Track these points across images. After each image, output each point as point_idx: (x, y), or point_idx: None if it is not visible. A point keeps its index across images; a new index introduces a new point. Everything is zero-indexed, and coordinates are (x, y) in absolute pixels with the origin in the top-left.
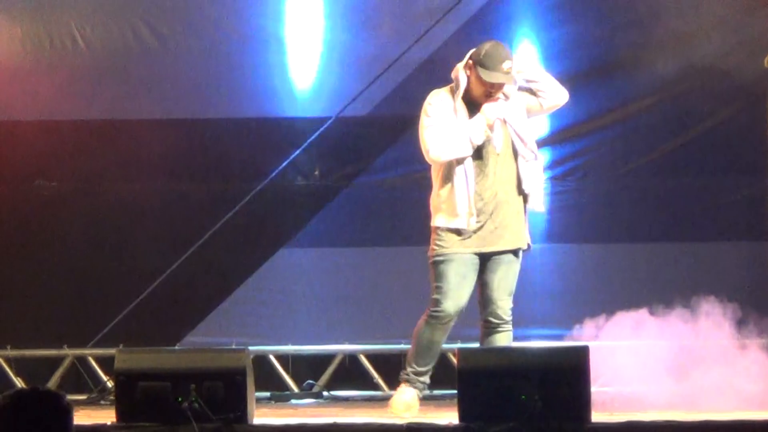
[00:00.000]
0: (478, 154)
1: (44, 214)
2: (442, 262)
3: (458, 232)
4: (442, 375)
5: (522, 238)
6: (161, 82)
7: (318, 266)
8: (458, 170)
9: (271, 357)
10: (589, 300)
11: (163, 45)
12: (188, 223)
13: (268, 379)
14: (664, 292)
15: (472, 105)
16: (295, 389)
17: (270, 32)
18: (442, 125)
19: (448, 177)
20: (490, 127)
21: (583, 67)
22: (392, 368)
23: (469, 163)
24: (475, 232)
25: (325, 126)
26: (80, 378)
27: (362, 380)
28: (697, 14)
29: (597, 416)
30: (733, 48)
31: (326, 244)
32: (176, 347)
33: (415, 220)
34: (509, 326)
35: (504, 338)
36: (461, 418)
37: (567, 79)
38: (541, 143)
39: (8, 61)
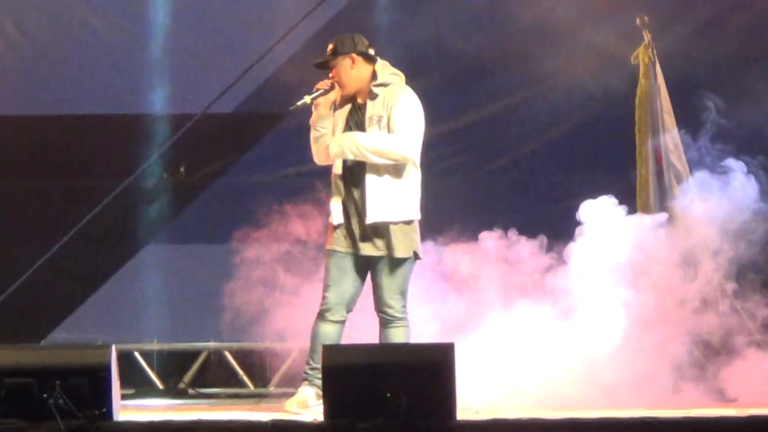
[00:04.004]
0: None
1: None
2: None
3: None
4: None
5: None
6: (24, 77)
7: (183, 263)
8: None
9: (136, 354)
10: None
11: (27, 41)
12: (52, 220)
13: (133, 376)
14: None
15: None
16: (160, 386)
17: (136, 30)
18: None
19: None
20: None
21: (450, 66)
22: (257, 365)
23: None
24: None
25: (191, 123)
26: None
27: (227, 377)
28: (565, 12)
29: (462, 414)
30: (600, 45)
31: (192, 240)
32: (41, 344)
33: (282, 217)
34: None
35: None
36: (327, 415)
37: (433, 78)
38: None
39: None
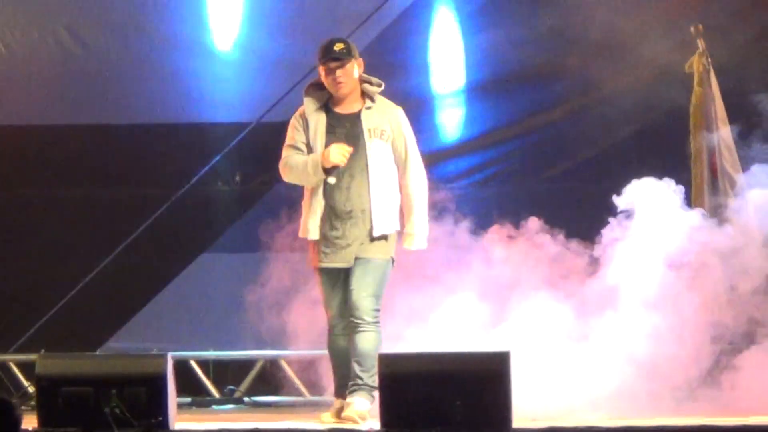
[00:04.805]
0: None
1: None
2: None
3: None
4: None
5: None
6: (83, 87)
7: (239, 271)
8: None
9: (192, 362)
10: None
11: (86, 51)
12: (109, 229)
13: (189, 385)
14: None
15: (335, 105)
16: (216, 395)
17: (192, 38)
18: (292, 151)
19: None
20: (331, 168)
21: (505, 73)
22: (313, 374)
23: None
24: None
25: (246, 131)
26: (1, 383)
27: (283, 386)
28: (620, 21)
29: (519, 422)
30: (655, 54)
31: (247, 249)
32: (98, 352)
33: None
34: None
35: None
36: (383, 423)
37: (488, 84)
38: (462, 149)
39: None
